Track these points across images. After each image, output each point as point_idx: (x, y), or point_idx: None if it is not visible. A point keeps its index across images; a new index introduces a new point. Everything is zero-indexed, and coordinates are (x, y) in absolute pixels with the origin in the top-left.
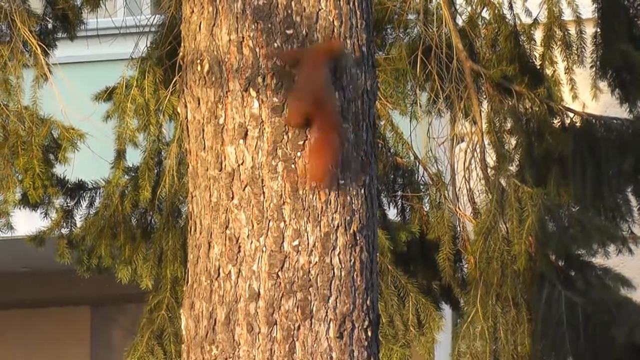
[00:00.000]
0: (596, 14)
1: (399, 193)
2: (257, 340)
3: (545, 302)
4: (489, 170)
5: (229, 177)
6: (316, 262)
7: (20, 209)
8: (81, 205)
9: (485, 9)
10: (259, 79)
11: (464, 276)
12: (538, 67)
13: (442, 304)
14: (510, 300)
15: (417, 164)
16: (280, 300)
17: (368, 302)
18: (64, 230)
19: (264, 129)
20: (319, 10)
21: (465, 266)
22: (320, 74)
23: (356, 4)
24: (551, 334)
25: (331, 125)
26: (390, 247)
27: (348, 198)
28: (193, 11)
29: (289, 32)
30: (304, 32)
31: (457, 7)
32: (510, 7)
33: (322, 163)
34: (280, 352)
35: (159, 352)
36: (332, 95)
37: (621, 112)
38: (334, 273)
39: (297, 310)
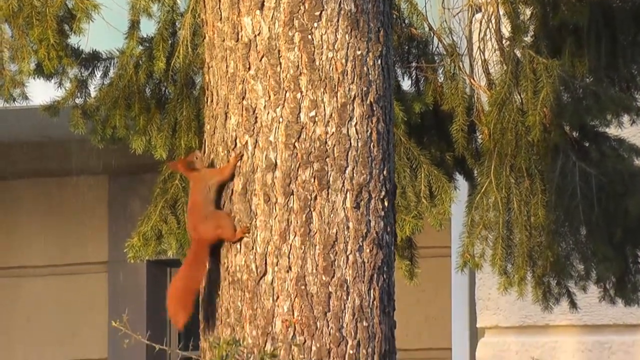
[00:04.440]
0: None
1: (414, 64)
2: (274, 211)
3: (559, 172)
4: (504, 41)
5: (246, 48)
6: (333, 133)
7: (35, 79)
8: (95, 76)
9: None
10: None
11: (477, 147)
12: None
13: (455, 175)
14: (524, 171)
15: (432, 34)
16: (297, 170)
17: (385, 172)
18: (78, 100)
19: None
20: None
21: (479, 137)
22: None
23: None
24: (565, 204)
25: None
26: (404, 118)
27: (365, 69)
28: None
29: None
30: None
31: None
32: None
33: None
34: (297, 222)
35: (172, 221)
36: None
37: None
38: (350, 143)
39: (314, 181)
